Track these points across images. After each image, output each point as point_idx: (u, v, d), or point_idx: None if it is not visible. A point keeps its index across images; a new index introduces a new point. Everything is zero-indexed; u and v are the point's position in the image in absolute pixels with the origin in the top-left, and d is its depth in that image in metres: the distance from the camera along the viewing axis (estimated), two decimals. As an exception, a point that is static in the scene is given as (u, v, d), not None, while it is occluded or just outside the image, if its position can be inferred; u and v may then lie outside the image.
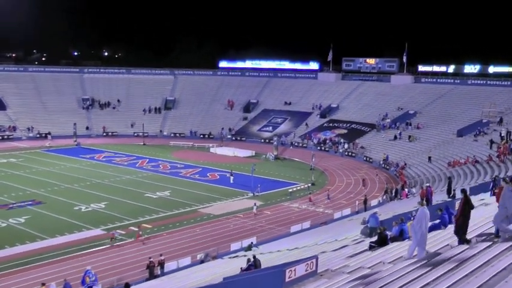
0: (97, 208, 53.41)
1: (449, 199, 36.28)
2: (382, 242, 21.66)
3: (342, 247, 25.85)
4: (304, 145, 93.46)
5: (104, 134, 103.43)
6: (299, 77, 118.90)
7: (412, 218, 17.75)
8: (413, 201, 42.40)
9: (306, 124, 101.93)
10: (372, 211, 36.49)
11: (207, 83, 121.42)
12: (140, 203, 55.58)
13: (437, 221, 22.87)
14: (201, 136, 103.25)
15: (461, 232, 16.46)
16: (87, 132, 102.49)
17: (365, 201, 54.16)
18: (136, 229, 45.99)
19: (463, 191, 17.02)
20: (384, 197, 56.68)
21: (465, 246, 15.63)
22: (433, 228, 21.45)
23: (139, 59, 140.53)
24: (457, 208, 18.12)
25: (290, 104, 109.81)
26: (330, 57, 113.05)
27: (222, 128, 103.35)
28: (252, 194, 60.54)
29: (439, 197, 41.85)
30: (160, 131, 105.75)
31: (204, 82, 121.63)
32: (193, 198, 58.00)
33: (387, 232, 22.80)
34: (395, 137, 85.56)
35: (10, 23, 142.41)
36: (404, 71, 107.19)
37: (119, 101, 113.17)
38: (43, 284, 30.51)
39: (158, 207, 54.25)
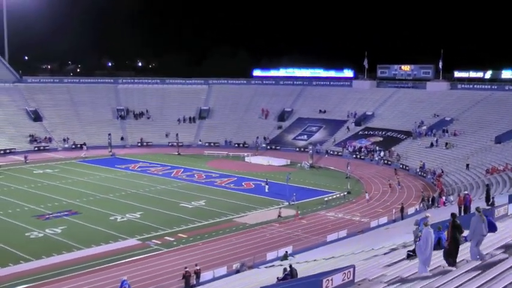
0: (132, 218, 53.60)
1: (488, 207, 35.66)
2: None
3: (379, 256, 25.50)
4: (340, 153, 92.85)
5: (139, 144, 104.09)
6: (333, 84, 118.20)
7: (418, 239, 18.14)
8: (451, 209, 41.74)
9: (348, 128, 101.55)
10: (420, 216, 36.01)
11: (241, 92, 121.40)
12: (175, 213, 55.66)
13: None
14: (236, 145, 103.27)
15: (452, 256, 17.43)
16: (122, 143, 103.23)
17: (402, 210, 53.57)
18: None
19: (453, 215, 17.38)
20: (421, 205, 56.01)
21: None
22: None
23: (173, 69, 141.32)
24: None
25: (325, 112, 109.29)
26: (365, 64, 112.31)
27: (257, 137, 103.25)
28: (287, 203, 60.24)
29: (478, 204, 41.09)
30: (200, 140, 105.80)
31: (238, 91, 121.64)
32: (228, 208, 57.89)
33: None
34: (432, 145, 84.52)
35: (45, 36, 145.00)
36: (440, 78, 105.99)
37: (147, 111, 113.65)
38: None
39: (193, 216, 54.25)
